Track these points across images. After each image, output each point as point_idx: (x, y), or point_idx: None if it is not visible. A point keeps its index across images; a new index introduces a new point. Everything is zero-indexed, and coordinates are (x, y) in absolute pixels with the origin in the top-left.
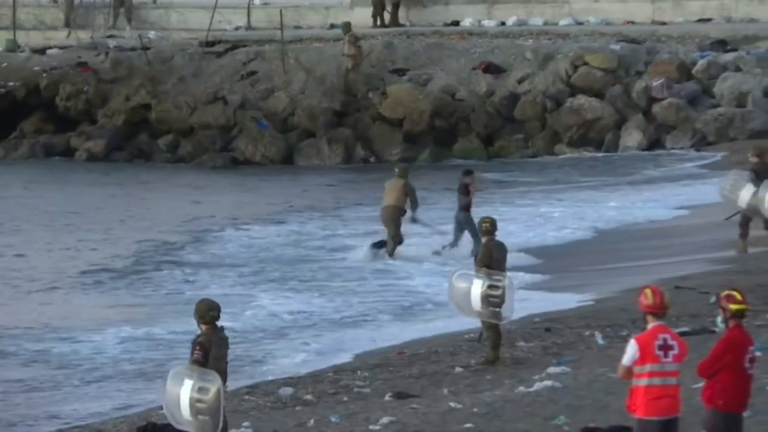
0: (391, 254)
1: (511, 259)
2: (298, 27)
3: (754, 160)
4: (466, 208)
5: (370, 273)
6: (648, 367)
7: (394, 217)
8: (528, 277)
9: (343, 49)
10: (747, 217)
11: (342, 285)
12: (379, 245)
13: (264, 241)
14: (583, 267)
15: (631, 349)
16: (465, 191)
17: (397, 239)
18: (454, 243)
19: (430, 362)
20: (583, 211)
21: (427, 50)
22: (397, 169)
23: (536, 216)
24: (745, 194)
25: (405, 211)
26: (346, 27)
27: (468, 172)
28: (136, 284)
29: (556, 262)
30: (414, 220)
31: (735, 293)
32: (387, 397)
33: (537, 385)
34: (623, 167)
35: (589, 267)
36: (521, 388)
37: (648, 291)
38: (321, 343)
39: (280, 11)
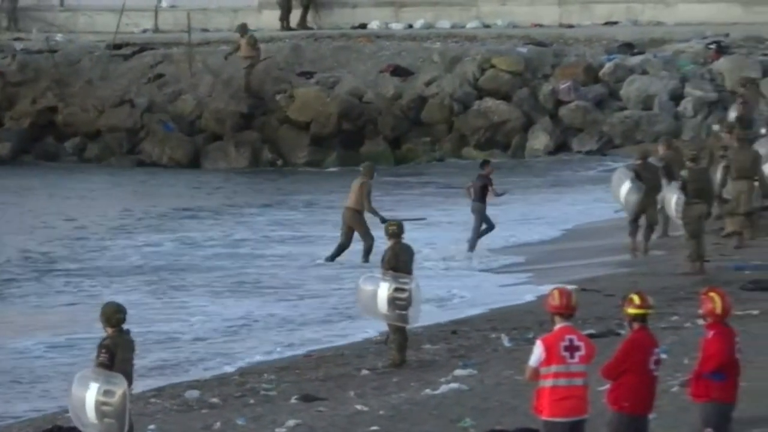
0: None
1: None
2: (205, 30)
3: (638, 162)
4: (482, 199)
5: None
6: (553, 368)
7: (353, 219)
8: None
9: (240, 51)
10: (636, 215)
11: (273, 289)
12: (333, 257)
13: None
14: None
15: (537, 350)
16: (484, 182)
17: (369, 241)
18: (486, 231)
19: (337, 365)
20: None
21: (335, 53)
22: (361, 167)
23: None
24: (623, 190)
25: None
26: (242, 29)
27: (486, 162)
28: (42, 288)
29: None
30: (383, 221)
31: (634, 297)
32: (293, 400)
33: (443, 388)
34: (531, 171)
35: (497, 269)
36: (427, 391)
37: (555, 292)
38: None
39: (188, 14)
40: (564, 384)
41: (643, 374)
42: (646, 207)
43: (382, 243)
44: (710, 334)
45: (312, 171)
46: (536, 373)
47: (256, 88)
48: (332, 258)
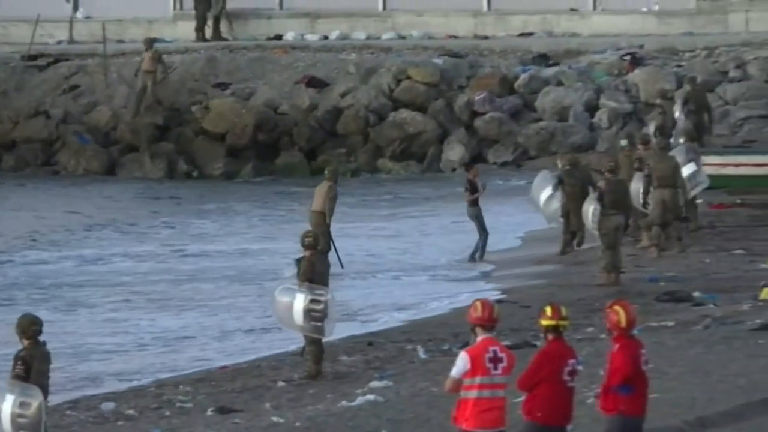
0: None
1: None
2: (120, 41)
3: (565, 167)
4: (474, 202)
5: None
6: (478, 380)
7: (320, 224)
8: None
9: (143, 65)
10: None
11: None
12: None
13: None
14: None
15: (462, 362)
16: (471, 186)
17: (325, 248)
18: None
19: (253, 376)
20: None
21: (250, 64)
22: (326, 171)
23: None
24: (543, 196)
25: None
26: (148, 42)
27: (470, 166)
28: None
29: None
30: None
31: (547, 308)
32: (209, 412)
33: (359, 400)
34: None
35: (415, 281)
36: (343, 403)
37: (478, 303)
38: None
39: (103, 25)
40: (488, 395)
41: (557, 385)
42: (570, 213)
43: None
44: (615, 347)
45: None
46: (458, 385)
47: (159, 101)
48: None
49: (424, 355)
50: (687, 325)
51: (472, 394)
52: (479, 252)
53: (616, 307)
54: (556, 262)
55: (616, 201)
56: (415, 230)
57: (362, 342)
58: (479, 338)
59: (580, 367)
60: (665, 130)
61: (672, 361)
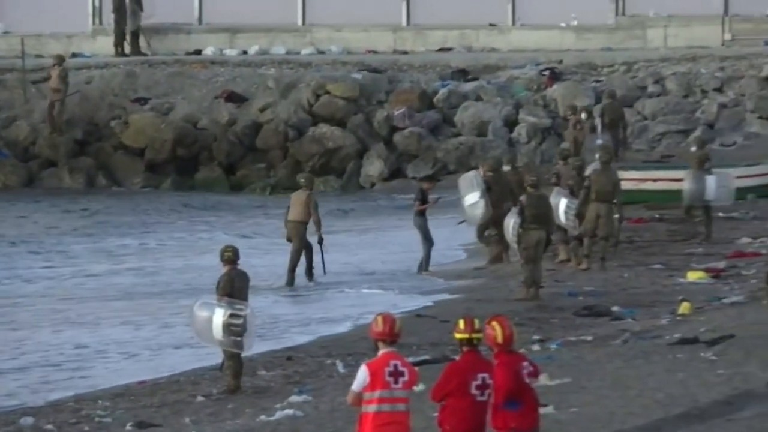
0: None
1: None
2: (39, 56)
3: (489, 173)
4: (421, 213)
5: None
6: (378, 393)
7: (299, 233)
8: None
9: (50, 81)
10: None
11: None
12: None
13: None
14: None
15: (361, 375)
16: (422, 197)
17: (296, 259)
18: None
19: (172, 391)
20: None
21: (169, 79)
22: (302, 179)
23: None
24: (469, 200)
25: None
26: (59, 59)
27: (430, 179)
28: None
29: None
30: (320, 242)
31: (460, 322)
32: (128, 427)
33: (278, 414)
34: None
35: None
36: (263, 417)
37: (379, 318)
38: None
39: (21, 40)
40: (387, 409)
41: (464, 398)
42: (497, 219)
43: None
44: (496, 363)
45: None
46: (359, 398)
47: (60, 124)
48: (291, 282)
49: (343, 369)
50: (606, 339)
51: (372, 408)
52: (424, 263)
53: (493, 323)
54: (476, 276)
55: (537, 216)
56: (367, 243)
57: (281, 357)
58: (380, 352)
59: (490, 381)
60: (579, 145)
61: (590, 376)
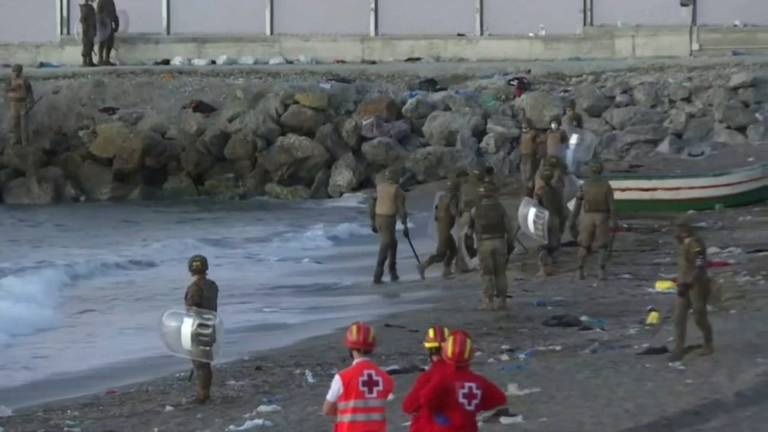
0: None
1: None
2: (6, 65)
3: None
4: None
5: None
6: (352, 403)
7: (389, 227)
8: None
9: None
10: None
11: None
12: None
13: None
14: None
15: (336, 385)
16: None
17: (386, 253)
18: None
19: (141, 401)
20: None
21: (138, 89)
22: (386, 173)
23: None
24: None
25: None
26: (17, 69)
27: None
28: None
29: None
30: (405, 234)
31: (430, 331)
32: None
33: (247, 424)
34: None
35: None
36: (231, 427)
37: (354, 327)
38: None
39: None
40: (362, 419)
41: (455, 408)
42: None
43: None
44: (435, 369)
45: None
46: (334, 408)
47: (27, 134)
48: (378, 277)
49: (312, 379)
50: (574, 349)
51: (347, 417)
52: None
53: (450, 337)
54: (445, 286)
55: (488, 226)
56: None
57: (250, 366)
58: (355, 361)
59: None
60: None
61: (559, 385)
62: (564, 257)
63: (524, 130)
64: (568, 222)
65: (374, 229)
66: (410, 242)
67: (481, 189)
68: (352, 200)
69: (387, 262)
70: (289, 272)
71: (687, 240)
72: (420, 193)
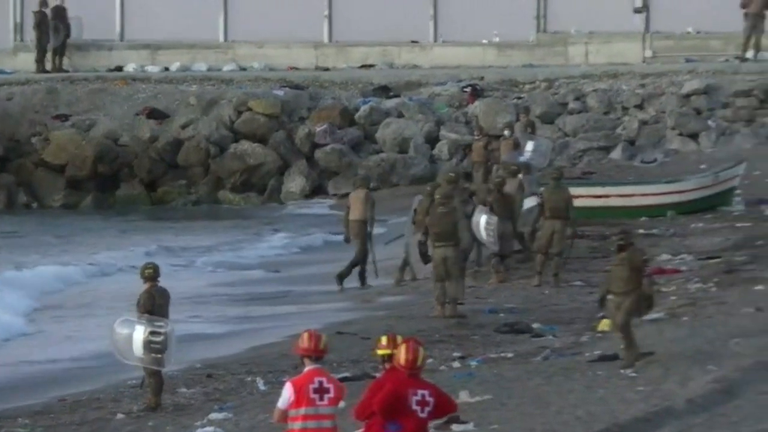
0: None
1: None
2: None
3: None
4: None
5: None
6: (303, 410)
7: (361, 232)
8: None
9: None
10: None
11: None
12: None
13: None
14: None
15: (286, 392)
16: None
17: (360, 256)
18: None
19: (92, 408)
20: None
21: (91, 96)
22: (357, 180)
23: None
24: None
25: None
26: None
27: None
28: None
29: (212, 308)
30: (368, 238)
31: (382, 338)
32: None
33: None
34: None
35: (253, 313)
36: None
37: (305, 334)
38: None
39: None
40: (313, 426)
41: (407, 416)
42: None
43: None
44: (387, 376)
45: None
46: (285, 415)
47: None
48: (342, 277)
49: (263, 386)
50: (526, 356)
51: (297, 425)
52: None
53: (403, 344)
54: (397, 293)
55: (441, 233)
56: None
57: (201, 374)
58: (306, 369)
59: (417, 397)
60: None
61: (511, 393)
62: (517, 264)
63: (477, 137)
64: (528, 228)
65: (347, 240)
66: (369, 247)
67: (437, 196)
68: (318, 207)
69: (357, 269)
70: (242, 280)
71: (629, 249)
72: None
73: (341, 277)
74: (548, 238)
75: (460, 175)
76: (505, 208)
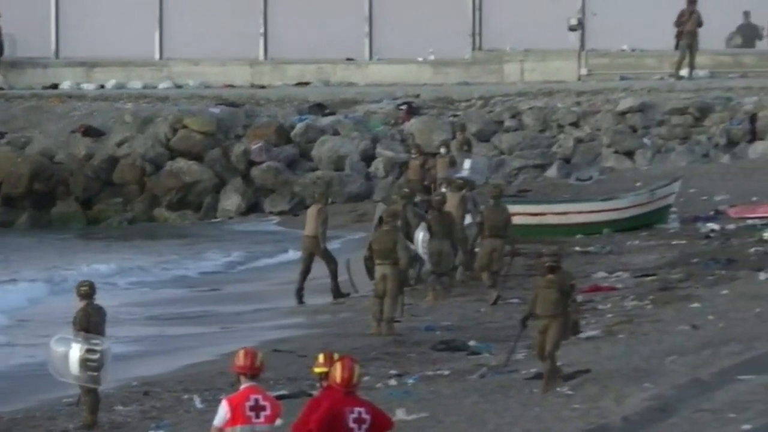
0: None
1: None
2: None
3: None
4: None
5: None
6: (239, 428)
7: (314, 247)
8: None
9: None
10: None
11: None
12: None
13: None
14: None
15: (222, 410)
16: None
17: (333, 265)
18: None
19: (28, 427)
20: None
21: (26, 113)
22: (315, 194)
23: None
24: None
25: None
26: None
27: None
28: None
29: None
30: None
31: (320, 356)
32: None
33: None
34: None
35: (182, 331)
36: None
37: (241, 352)
38: None
39: None
40: None
41: None
42: None
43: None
44: (323, 396)
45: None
46: None
47: None
48: (299, 292)
49: (200, 404)
50: (463, 374)
51: None
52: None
53: (337, 362)
54: (334, 311)
55: (380, 251)
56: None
57: (138, 392)
58: (242, 386)
59: (354, 415)
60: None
61: (448, 410)
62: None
63: (413, 155)
64: (467, 246)
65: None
66: (308, 263)
67: (383, 214)
68: (264, 224)
69: (296, 287)
70: (182, 298)
71: (558, 272)
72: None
73: (336, 292)
74: (488, 256)
75: (416, 191)
76: (443, 227)
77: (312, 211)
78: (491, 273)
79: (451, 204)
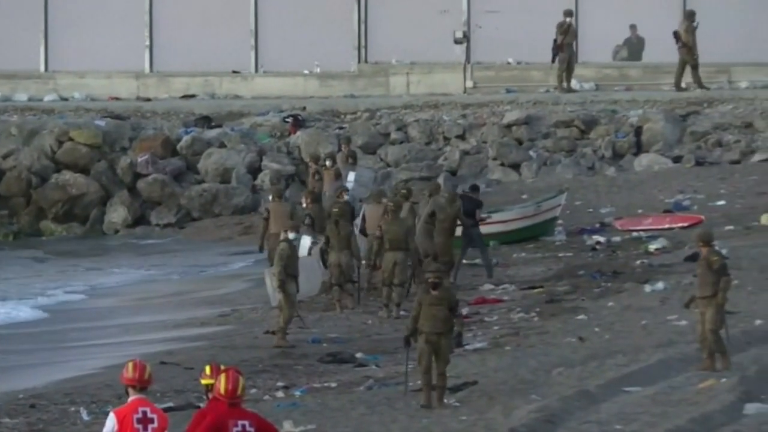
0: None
1: None
2: None
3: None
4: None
5: None
6: None
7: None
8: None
9: None
10: None
11: None
12: None
13: None
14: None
15: (110, 422)
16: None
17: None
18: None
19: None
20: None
21: None
22: (276, 192)
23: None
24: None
25: None
26: None
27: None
28: None
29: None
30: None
31: (207, 368)
32: None
33: None
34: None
35: (64, 343)
36: None
37: (129, 364)
38: None
39: None
40: None
41: None
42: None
43: None
44: (207, 410)
45: None
46: None
47: None
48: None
49: (87, 417)
50: (350, 385)
51: None
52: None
53: (221, 374)
54: (220, 324)
55: (393, 240)
56: None
57: (24, 404)
58: (130, 398)
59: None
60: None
61: (335, 422)
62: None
63: (322, 164)
64: (364, 261)
65: (261, 249)
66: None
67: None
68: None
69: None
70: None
71: (442, 288)
72: (195, 230)
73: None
74: (390, 269)
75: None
76: (341, 239)
77: (282, 209)
78: (395, 286)
79: (373, 215)
